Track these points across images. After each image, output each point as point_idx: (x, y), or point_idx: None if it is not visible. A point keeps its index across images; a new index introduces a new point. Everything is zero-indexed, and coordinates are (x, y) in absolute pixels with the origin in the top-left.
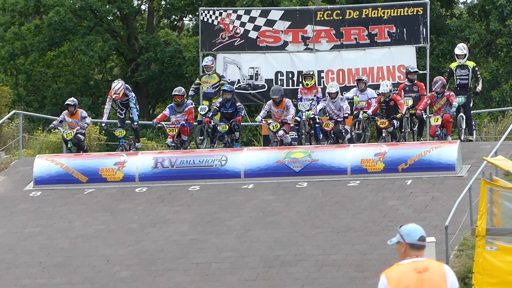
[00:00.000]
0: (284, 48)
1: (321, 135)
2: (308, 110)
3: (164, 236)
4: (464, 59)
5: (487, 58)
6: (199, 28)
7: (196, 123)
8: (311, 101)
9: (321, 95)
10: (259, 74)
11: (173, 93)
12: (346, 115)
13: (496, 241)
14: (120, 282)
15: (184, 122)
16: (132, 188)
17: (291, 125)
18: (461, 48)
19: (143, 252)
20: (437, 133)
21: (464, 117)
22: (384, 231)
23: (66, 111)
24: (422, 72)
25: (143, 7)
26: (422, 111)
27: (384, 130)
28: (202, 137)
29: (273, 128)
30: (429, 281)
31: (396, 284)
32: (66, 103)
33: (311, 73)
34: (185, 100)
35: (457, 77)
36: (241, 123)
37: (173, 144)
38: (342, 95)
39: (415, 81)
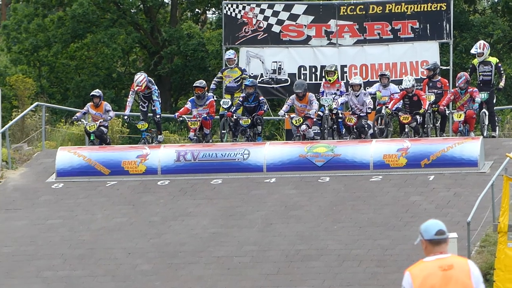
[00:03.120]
0: (307, 43)
1: (343, 130)
2: (330, 105)
3: (186, 230)
4: (482, 57)
5: (510, 54)
6: (223, 22)
7: (217, 117)
8: (333, 95)
9: (345, 89)
10: (282, 68)
11: (194, 85)
12: (369, 110)
13: None
14: (141, 274)
15: (206, 115)
16: (154, 181)
17: (314, 119)
18: (476, 47)
19: (165, 245)
20: (460, 129)
21: (487, 113)
22: (406, 227)
23: (91, 103)
24: (445, 68)
25: (166, 0)
26: (445, 107)
27: (407, 125)
28: (224, 131)
29: (296, 123)
30: (454, 279)
31: (421, 282)
32: (91, 94)
33: (334, 68)
34: (206, 92)
35: (480, 73)
36: (264, 117)
37: (195, 137)
38: (365, 90)
39: (439, 77)
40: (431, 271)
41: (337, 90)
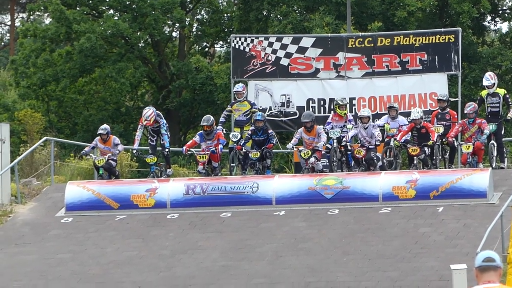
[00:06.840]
0: (316, 75)
1: (352, 162)
2: (338, 137)
3: (196, 263)
4: (493, 88)
5: None
6: (231, 55)
7: (227, 150)
8: (341, 128)
9: (352, 118)
10: (291, 101)
11: (201, 124)
12: (378, 142)
13: None
14: None
15: (214, 149)
16: (164, 214)
17: (323, 152)
18: (488, 79)
19: (175, 279)
20: (468, 160)
21: (496, 144)
22: (416, 258)
23: (99, 137)
24: (454, 99)
25: (174, 34)
26: (454, 138)
27: (415, 157)
28: (233, 164)
29: (305, 155)
30: None
31: None
32: (98, 132)
33: (346, 103)
34: (215, 127)
35: (488, 105)
36: (273, 150)
37: (204, 170)
38: (374, 122)
39: (448, 109)
40: None
41: (345, 121)
